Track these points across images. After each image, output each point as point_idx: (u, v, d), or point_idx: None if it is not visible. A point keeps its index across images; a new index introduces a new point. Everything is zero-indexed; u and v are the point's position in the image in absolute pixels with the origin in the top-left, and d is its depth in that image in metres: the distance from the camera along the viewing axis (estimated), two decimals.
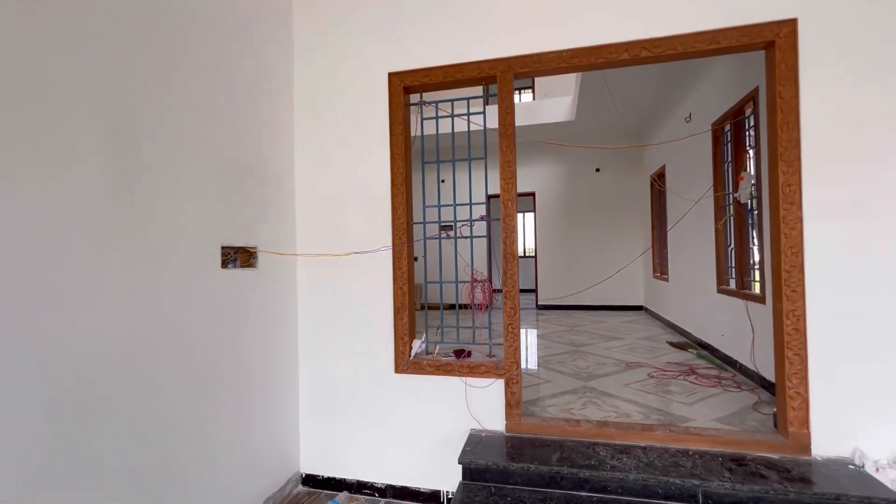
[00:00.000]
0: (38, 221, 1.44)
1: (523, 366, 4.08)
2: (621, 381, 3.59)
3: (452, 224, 2.91)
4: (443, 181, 5.39)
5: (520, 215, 9.32)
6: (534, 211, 8.57)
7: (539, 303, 8.25)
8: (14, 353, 1.37)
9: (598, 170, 8.01)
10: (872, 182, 2.13)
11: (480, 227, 4.35)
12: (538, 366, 4.11)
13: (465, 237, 2.87)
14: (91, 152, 1.62)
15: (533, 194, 8.44)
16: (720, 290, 4.26)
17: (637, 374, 3.79)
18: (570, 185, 8.25)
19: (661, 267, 6.68)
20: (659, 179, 6.53)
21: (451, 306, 4.06)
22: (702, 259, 4.68)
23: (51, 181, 1.48)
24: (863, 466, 2.09)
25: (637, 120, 6.69)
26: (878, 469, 2.06)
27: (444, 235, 2.93)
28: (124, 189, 1.74)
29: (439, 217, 2.94)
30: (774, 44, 2.25)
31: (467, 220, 2.77)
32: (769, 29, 2.25)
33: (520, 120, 6.31)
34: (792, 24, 2.22)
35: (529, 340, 5.41)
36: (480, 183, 3.74)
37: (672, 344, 4.98)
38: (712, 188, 4.36)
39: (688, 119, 4.95)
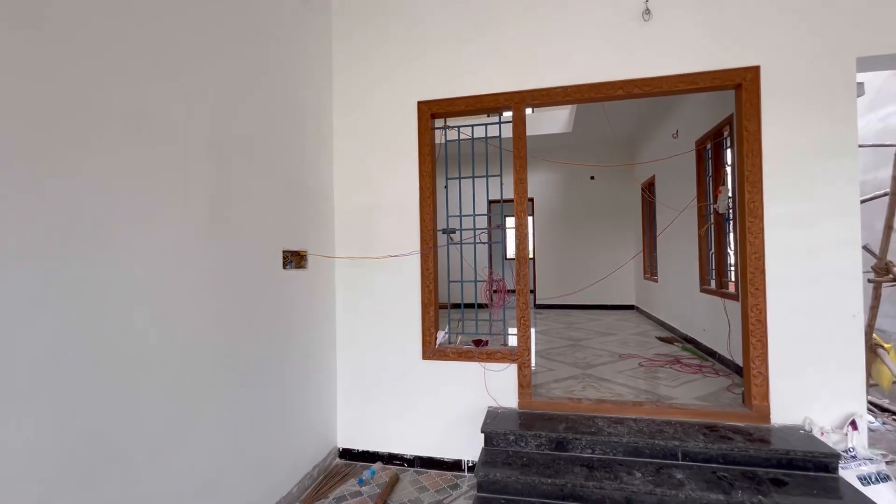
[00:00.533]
0: (174, 237, 1.88)
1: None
2: (615, 369, 4.06)
3: (459, 230, 3.37)
4: (445, 186, 5.82)
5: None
6: (532, 215, 9.07)
7: (537, 302, 8.73)
8: (182, 326, 1.80)
9: (592, 178, 8.52)
10: (818, 200, 2.62)
11: (494, 233, 4.80)
12: (541, 357, 4.57)
13: (484, 243, 3.32)
14: (203, 179, 2.06)
15: (532, 200, 8.94)
16: (702, 290, 4.75)
17: (629, 363, 4.26)
18: (567, 192, 8.75)
19: (650, 269, 7.19)
20: (649, 189, 7.05)
21: (457, 304, 4.52)
22: (686, 262, 5.18)
23: (178, 208, 1.92)
24: (811, 431, 2.57)
25: (629, 132, 7.20)
26: (822, 433, 2.55)
27: (455, 241, 3.38)
28: (220, 206, 2.18)
29: (460, 225, 3.40)
30: (742, 86, 2.75)
31: (486, 228, 3.22)
32: (737, 74, 2.74)
33: None
34: (756, 70, 2.72)
35: (531, 336, 5.86)
36: (491, 191, 4.20)
37: (660, 338, 5.47)
38: (696, 199, 4.86)
39: (675, 135, 5.46)
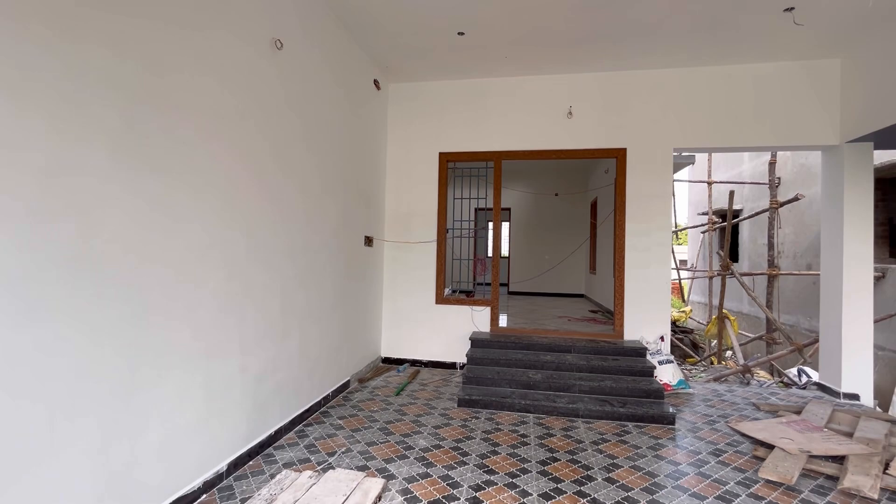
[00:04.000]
0: (330, 233, 4.06)
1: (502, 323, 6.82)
2: (552, 320, 6.36)
3: (460, 229, 5.63)
4: (453, 200, 8.29)
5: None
6: (509, 221, 11.37)
7: (510, 290, 11.03)
8: (337, 274, 3.98)
9: (556, 194, 10.88)
10: (650, 221, 4.96)
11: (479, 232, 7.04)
12: (509, 316, 6.84)
13: (470, 237, 5.59)
14: (337, 203, 4.25)
15: (509, 209, 11.24)
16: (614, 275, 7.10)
17: (562, 319, 6.57)
18: (536, 204, 11.09)
19: (592, 265, 9.57)
20: (594, 206, 9.43)
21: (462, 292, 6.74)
22: (608, 257, 7.53)
23: (330, 221, 4.11)
24: (641, 341, 4.90)
25: (583, 163, 9.57)
26: (647, 343, 4.88)
27: (455, 235, 5.62)
28: (344, 216, 4.37)
29: (460, 226, 5.66)
30: (618, 157, 5.08)
31: (472, 229, 5.48)
32: (616, 151, 5.07)
33: None
34: (624, 150, 5.05)
35: (504, 311, 8.13)
36: (479, 203, 6.47)
37: (591, 311, 7.82)
38: (612, 214, 7.20)
39: (606, 171, 7.82)
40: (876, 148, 4.67)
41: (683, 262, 14.94)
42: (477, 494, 2.58)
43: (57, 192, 1.71)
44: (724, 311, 7.50)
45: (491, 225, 10.68)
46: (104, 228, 1.90)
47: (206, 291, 2.51)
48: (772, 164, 7.69)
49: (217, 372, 2.61)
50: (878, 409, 4.77)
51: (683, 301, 12.18)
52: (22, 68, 1.58)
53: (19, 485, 1.59)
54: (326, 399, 4.02)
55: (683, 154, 7.59)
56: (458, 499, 2.53)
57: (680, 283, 12.07)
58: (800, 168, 8.21)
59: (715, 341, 8.42)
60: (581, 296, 10.68)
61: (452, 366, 5.37)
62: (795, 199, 6.91)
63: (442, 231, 5.44)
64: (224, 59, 2.63)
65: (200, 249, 2.46)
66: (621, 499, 2.56)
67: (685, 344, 9.36)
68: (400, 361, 5.49)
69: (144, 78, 2.09)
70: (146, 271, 2.11)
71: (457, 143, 5.43)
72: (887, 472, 2.84)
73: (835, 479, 2.83)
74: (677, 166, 8.11)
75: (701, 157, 10.27)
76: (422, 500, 2.50)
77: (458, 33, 4.31)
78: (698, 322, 10.98)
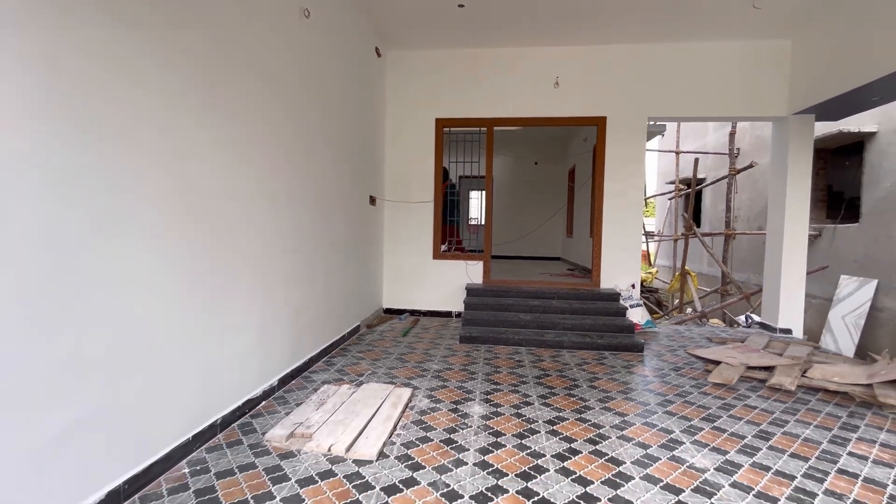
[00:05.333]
0: (344, 191, 4.47)
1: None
2: (535, 276, 7.01)
3: (455, 190, 6.10)
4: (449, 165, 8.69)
5: (479, 192, 12.55)
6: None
7: (492, 255, 11.63)
8: (349, 228, 4.41)
9: (536, 163, 11.42)
10: (625, 181, 5.58)
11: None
12: (495, 274, 7.43)
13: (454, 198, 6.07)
14: (352, 166, 4.63)
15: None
16: (590, 236, 7.79)
17: (543, 275, 7.23)
18: (518, 171, 11.61)
19: (569, 229, 10.28)
20: (571, 173, 10.05)
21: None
22: (584, 220, 8.20)
23: (346, 183, 4.50)
24: (616, 288, 5.60)
25: (562, 133, 10.10)
26: (620, 289, 5.58)
27: (454, 197, 6.09)
28: (355, 176, 4.76)
29: (458, 187, 6.13)
30: (598, 124, 5.62)
31: (456, 192, 5.97)
32: (598, 119, 5.61)
33: None
34: (604, 118, 5.59)
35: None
36: (465, 170, 6.93)
37: (569, 269, 8.53)
38: (590, 180, 7.83)
39: (585, 140, 8.39)
40: (817, 120, 5.38)
41: (651, 232, 15.99)
42: (488, 396, 3.18)
43: (170, 135, 2.10)
44: (686, 268, 8.37)
45: (471, 193, 11.30)
46: (197, 163, 2.30)
47: (259, 231, 2.93)
48: (732, 135, 8.45)
49: (268, 303, 3.06)
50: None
51: (650, 264, 13.17)
52: (169, 54, 1.94)
53: (154, 369, 2.05)
54: (343, 338, 4.53)
55: (657, 123, 8.22)
56: (473, 399, 3.13)
57: (647, 249, 13.01)
58: (756, 139, 9.02)
59: (677, 296, 9.35)
60: (558, 258, 11.42)
61: (448, 314, 5.95)
62: (750, 166, 7.70)
63: (438, 192, 5.90)
64: (265, 24, 2.96)
65: (252, 196, 2.86)
66: (603, 397, 3.23)
67: (651, 302, 10.30)
68: (400, 311, 6.03)
69: (214, 47, 2.44)
70: (222, 204, 2.53)
71: (452, 110, 5.83)
72: (804, 375, 3.62)
73: (765, 381, 3.59)
74: (650, 134, 8.75)
75: (670, 130, 10.98)
76: (444, 400, 3.09)
77: (459, 5, 4.66)
78: (663, 282, 11.97)
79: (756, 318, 6.77)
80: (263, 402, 2.98)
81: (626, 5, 4.58)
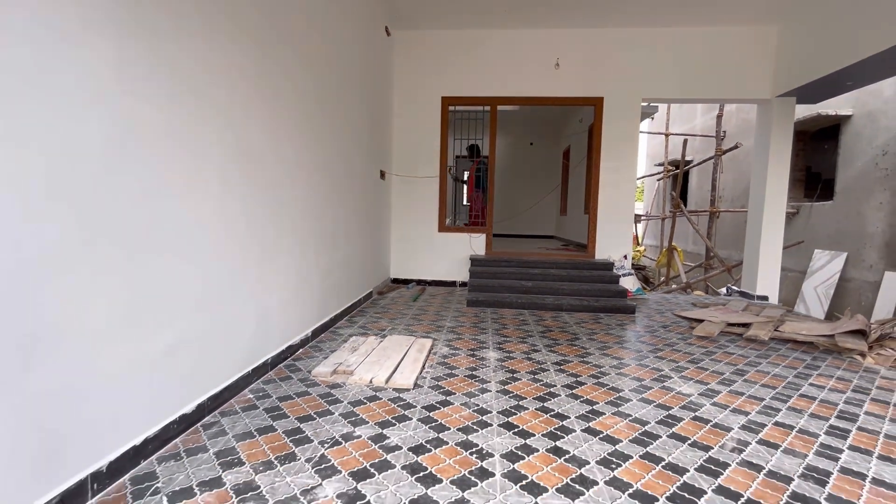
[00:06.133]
0: (360, 168, 4.74)
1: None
2: (533, 249, 7.41)
3: (455, 167, 6.41)
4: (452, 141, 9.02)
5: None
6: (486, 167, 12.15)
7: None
8: (364, 202, 4.70)
9: (532, 143, 11.72)
10: (619, 162, 5.95)
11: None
12: (497, 248, 7.80)
13: (459, 180, 6.39)
14: (363, 141, 4.89)
15: (486, 157, 11.98)
16: (585, 213, 8.18)
17: (541, 249, 7.63)
18: (514, 152, 11.90)
19: (563, 208, 10.67)
20: (566, 154, 10.39)
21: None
22: (578, 198, 8.58)
23: (361, 156, 4.77)
24: (609, 259, 6.02)
25: (557, 114, 10.40)
26: (613, 260, 6.00)
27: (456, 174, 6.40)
28: (367, 153, 5.03)
29: (455, 165, 6.42)
30: (596, 105, 5.95)
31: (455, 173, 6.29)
32: (596, 99, 5.93)
33: None
34: (601, 98, 5.92)
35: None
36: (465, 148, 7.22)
37: (563, 245, 8.95)
38: (585, 160, 8.19)
39: (581, 120, 8.71)
40: (798, 102, 5.79)
41: (638, 215, 16.57)
42: (500, 346, 3.57)
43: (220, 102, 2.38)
44: (672, 244, 8.86)
45: (466, 174, 11.61)
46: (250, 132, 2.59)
47: (296, 197, 3.23)
48: (719, 118, 8.86)
49: (303, 261, 3.37)
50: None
51: (638, 243, 13.70)
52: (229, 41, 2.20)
53: (225, 309, 2.37)
54: (359, 302, 4.87)
55: (650, 105, 8.57)
56: (488, 347, 3.51)
57: (636, 230, 13.52)
58: (742, 122, 9.44)
59: (664, 273, 9.87)
60: (552, 237, 11.85)
61: (453, 284, 6.32)
62: (735, 146, 8.14)
63: (443, 167, 6.20)
64: (303, 10, 3.20)
65: (291, 165, 3.14)
66: (602, 346, 3.65)
67: (639, 278, 10.83)
68: (407, 281, 6.38)
69: (267, 29, 2.70)
70: (270, 169, 2.82)
71: (457, 88, 6.09)
72: (777, 330, 4.09)
73: (742, 335, 4.05)
74: (642, 115, 9.12)
75: (660, 114, 11.34)
76: (462, 349, 3.47)
77: None
78: (651, 259, 12.51)
79: (736, 288, 7.28)
80: (301, 350, 3.32)
81: None
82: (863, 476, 1.85)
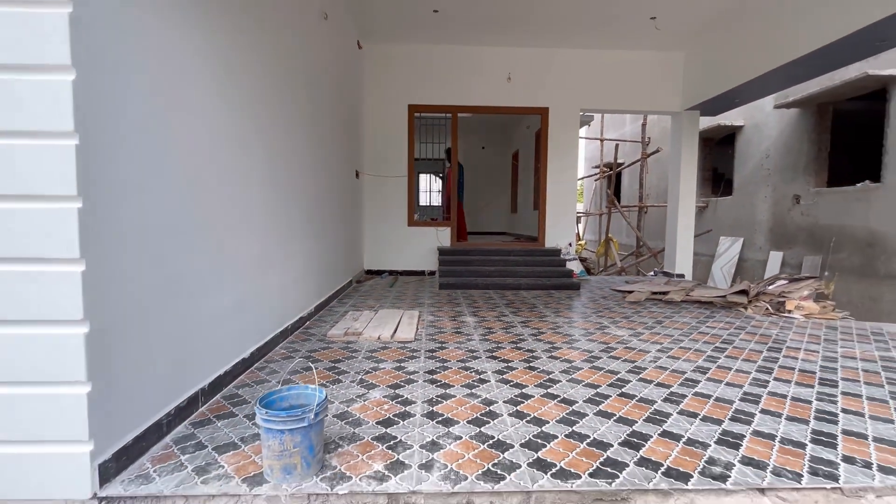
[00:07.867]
0: (335, 168, 5.31)
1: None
2: (491, 243, 8.27)
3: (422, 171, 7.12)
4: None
5: (427, 175, 13.58)
6: (442, 172, 12.91)
7: None
8: (339, 197, 5.26)
9: (483, 147, 12.67)
10: (563, 163, 6.94)
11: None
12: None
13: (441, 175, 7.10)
14: (341, 147, 5.47)
15: (442, 160, 12.75)
16: (534, 209, 9.17)
17: (497, 242, 8.51)
18: (467, 155, 12.78)
19: (514, 206, 11.69)
20: (515, 156, 11.42)
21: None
22: (527, 197, 9.58)
23: (337, 157, 5.34)
24: (557, 246, 6.98)
25: (507, 121, 11.41)
26: (560, 247, 6.97)
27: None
28: (347, 155, 5.60)
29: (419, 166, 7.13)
30: (542, 114, 6.90)
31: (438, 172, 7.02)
32: (541, 109, 6.88)
33: None
34: (547, 109, 6.88)
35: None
36: (435, 151, 7.96)
37: (515, 238, 9.90)
38: (533, 162, 9.19)
39: (528, 127, 9.72)
40: (702, 115, 7.07)
41: (580, 213, 18.22)
42: (475, 312, 4.32)
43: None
44: (609, 236, 10.10)
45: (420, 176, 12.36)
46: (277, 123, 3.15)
47: (304, 190, 3.78)
48: (644, 126, 10.24)
49: (306, 247, 3.92)
50: None
51: (578, 238, 15.10)
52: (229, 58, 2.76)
53: (258, 280, 2.92)
54: (343, 288, 5.42)
55: (586, 114, 9.75)
56: (465, 315, 4.24)
57: (577, 228, 14.91)
58: (663, 129, 10.93)
59: (602, 262, 11.15)
60: (504, 233, 12.85)
61: (422, 273, 7.00)
62: (657, 151, 9.50)
63: (411, 167, 6.87)
64: (286, 27, 3.77)
65: (295, 165, 3.70)
66: (555, 310, 4.50)
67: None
68: (380, 272, 6.97)
69: (276, 57, 3.27)
70: (285, 167, 3.38)
71: (422, 98, 6.80)
72: (689, 295, 5.17)
73: (662, 299, 5.09)
74: (581, 123, 10.31)
75: (595, 121, 12.72)
76: (444, 317, 4.17)
77: (434, 11, 5.62)
78: (591, 251, 13.88)
79: (659, 270, 8.54)
80: (309, 321, 3.87)
81: (562, 17, 5.83)
82: (729, 368, 2.78)
